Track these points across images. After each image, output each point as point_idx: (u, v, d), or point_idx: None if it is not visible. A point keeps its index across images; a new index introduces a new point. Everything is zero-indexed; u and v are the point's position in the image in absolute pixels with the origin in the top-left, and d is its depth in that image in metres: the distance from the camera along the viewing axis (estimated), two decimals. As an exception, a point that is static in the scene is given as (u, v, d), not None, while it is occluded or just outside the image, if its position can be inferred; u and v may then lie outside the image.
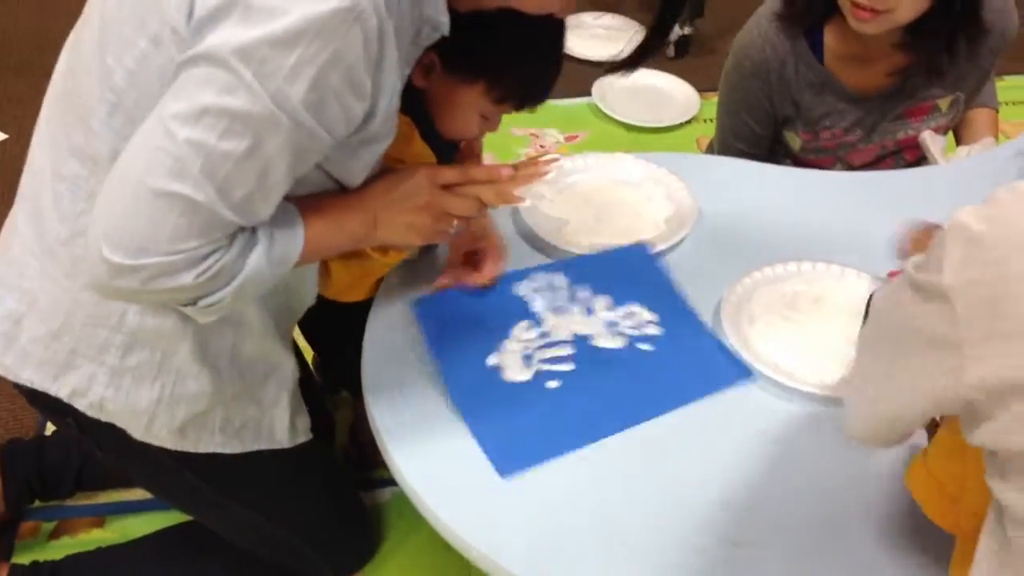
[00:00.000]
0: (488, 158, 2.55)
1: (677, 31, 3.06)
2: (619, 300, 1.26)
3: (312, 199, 1.03)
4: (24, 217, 1.09)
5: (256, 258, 0.94)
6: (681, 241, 1.39)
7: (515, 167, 1.12)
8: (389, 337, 1.22)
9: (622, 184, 1.51)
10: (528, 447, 1.07)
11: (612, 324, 1.23)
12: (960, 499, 0.89)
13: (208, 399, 1.13)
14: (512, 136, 2.67)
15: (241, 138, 0.85)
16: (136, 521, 1.61)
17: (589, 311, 1.24)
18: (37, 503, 1.58)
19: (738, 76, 1.71)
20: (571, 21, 3.14)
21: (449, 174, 1.11)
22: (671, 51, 3.07)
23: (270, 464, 1.25)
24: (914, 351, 0.75)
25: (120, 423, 1.11)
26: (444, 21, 1.01)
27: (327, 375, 1.75)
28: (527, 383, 1.14)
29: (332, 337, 1.53)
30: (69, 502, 1.62)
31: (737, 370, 1.20)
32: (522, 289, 1.24)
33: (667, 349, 1.21)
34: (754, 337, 1.24)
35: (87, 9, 1.03)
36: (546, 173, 1.13)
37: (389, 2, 0.89)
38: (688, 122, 2.77)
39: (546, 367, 1.16)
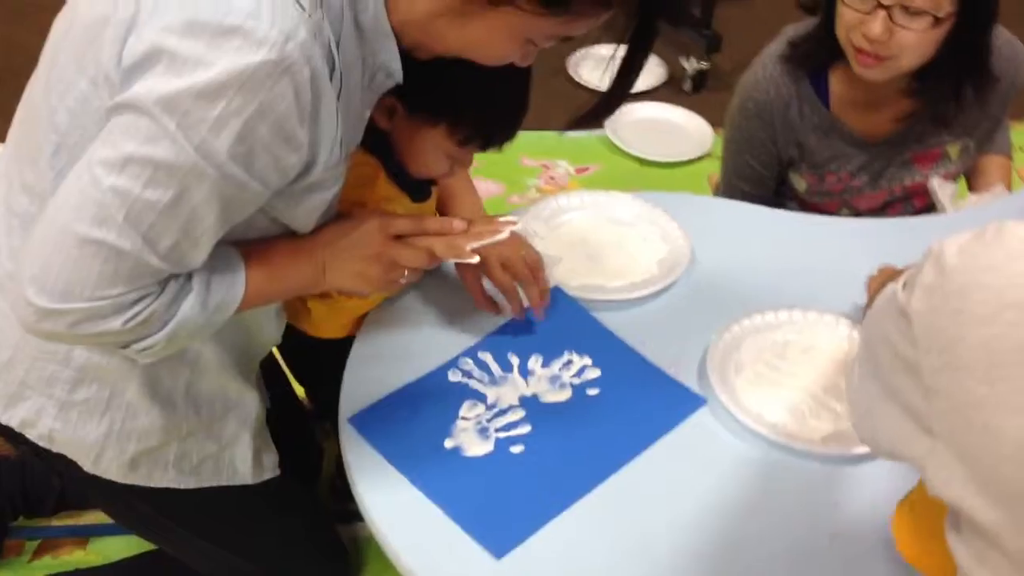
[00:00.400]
0: (497, 188, 2.56)
1: (694, 65, 3.05)
2: (550, 354, 1.25)
3: (259, 244, 1.02)
4: None
5: (189, 306, 0.93)
6: (673, 284, 1.38)
7: (469, 222, 1.11)
8: (369, 373, 1.21)
9: (617, 223, 1.50)
10: (515, 521, 1.06)
11: (554, 379, 1.22)
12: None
13: (160, 434, 1.12)
14: (522, 167, 2.66)
15: (166, 188, 0.84)
16: (118, 543, 1.60)
17: (526, 374, 1.23)
18: (21, 520, 1.58)
19: (742, 116, 1.69)
20: (586, 52, 3.14)
21: (401, 224, 1.09)
22: (687, 85, 3.06)
23: (234, 499, 1.24)
24: (893, 371, 0.74)
25: (69, 454, 1.11)
26: (396, 68, 1.00)
27: (315, 406, 1.74)
28: (491, 455, 1.12)
29: (316, 370, 1.52)
30: (54, 521, 1.62)
31: (689, 397, 1.21)
32: (454, 376, 1.21)
33: (614, 389, 1.21)
34: (740, 386, 1.22)
35: (44, 47, 1.03)
36: (498, 232, 1.10)
37: (329, 52, 0.88)
38: (701, 158, 2.75)
39: (504, 434, 1.14)
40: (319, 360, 1.35)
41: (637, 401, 1.20)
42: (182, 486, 1.17)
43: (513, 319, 1.28)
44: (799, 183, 1.72)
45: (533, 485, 1.09)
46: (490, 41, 0.95)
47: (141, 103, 0.82)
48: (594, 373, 1.24)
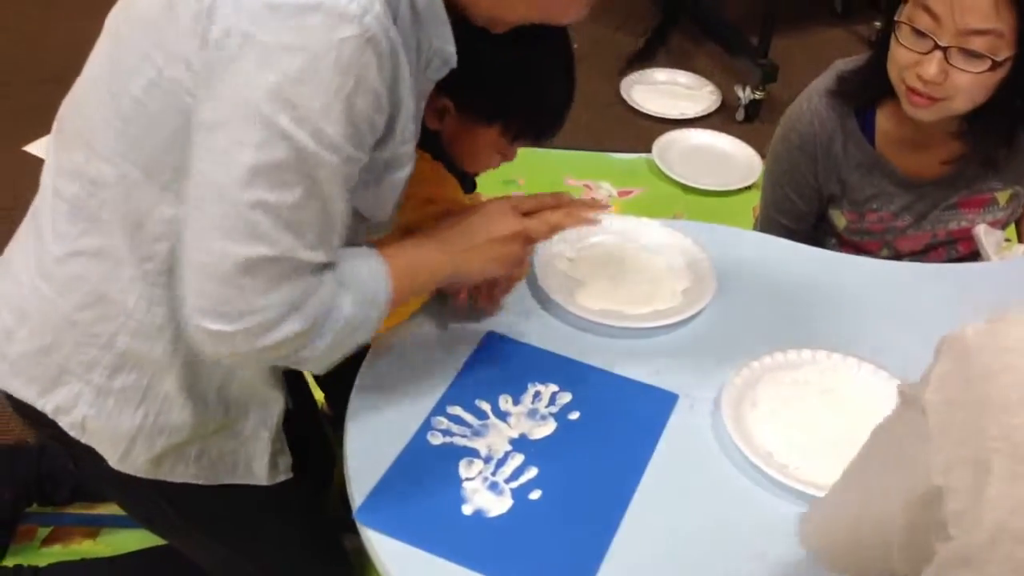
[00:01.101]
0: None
1: (749, 94, 3.01)
2: (517, 391, 1.22)
3: (391, 241, 1.09)
4: (26, 233, 1.11)
5: (349, 302, 0.97)
6: (696, 315, 1.35)
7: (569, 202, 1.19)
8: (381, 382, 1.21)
9: (645, 250, 1.47)
10: (574, 569, 1.03)
11: (532, 412, 1.20)
12: None
13: (188, 431, 1.12)
14: (565, 186, 2.65)
15: (296, 184, 0.87)
16: (129, 536, 1.61)
17: (503, 416, 1.20)
18: (35, 507, 1.60)
19: (784, 148, 1.66)
20: (641, 77, 3.14)
21: (528, 202, 1.16)
22: (740, 114, 3.03)
23: (245, 498, 1.23)
24: (894, 461, 0.71)
25: (99, 447, 1.11)
26: (451, 52, 1.01)
27: (333, 412, 1.74)
28: (513, 508, 1.09)
29: (337, 375, 1.52)
30: (68, 509, 1.63)
31: (663, 396, 1.22)
32: (435, 439, 1.17)
33: (593, 408, 1.21)
34: (752, 424, 1.19)
35: (100, 39, 1.05)
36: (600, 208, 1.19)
37: (397, 25, 0.91)
38: (748, 188, 2.71)
39: (515, 484, 1.12)
40: (340, 366, 1.35)
41: (618, 413, 1.19)
42: (200, 481, 1.17)
43: (466, 365, 1.25)
44: (839, 220, 1.68)
45: (572, 524, 1.07)
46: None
47: (247, 108, 0.84)
48: (566, 397, 1.22)
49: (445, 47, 1.00)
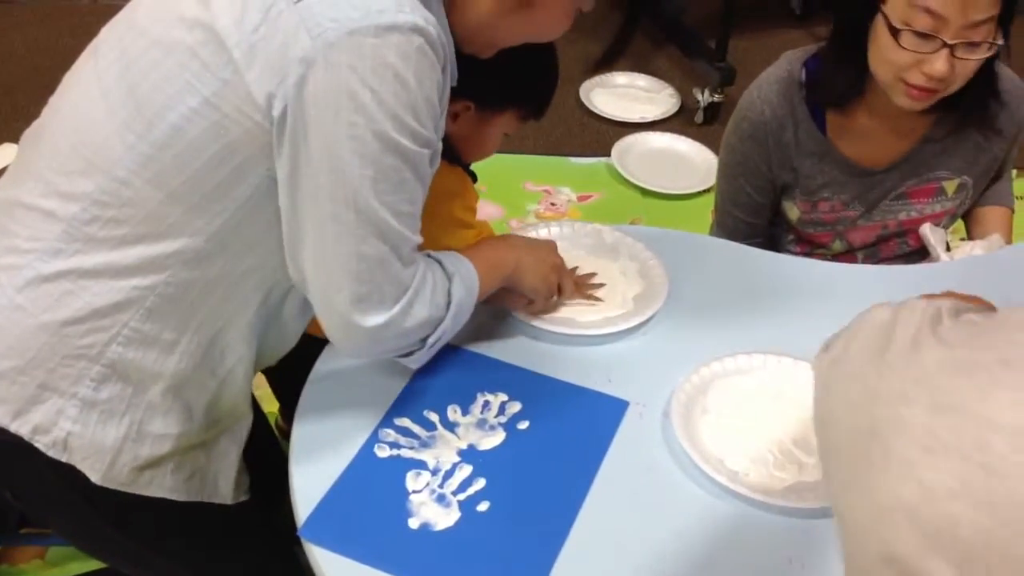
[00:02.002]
0: (497, 211, 2.54)
1: (707, 97, 3.02)
2: (465, 400, 1.21)
3: (465, 250, 1.21)
4: None
5: (456, 286, 1.12)
6: (646, 321, 1.34)
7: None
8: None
9: (597, 256, 1.47)
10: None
11: (481, 423, 1.19)
12: None
13: (172, 442, 1.11)
14: (525, 191, 2.64)
15: (390, 178, 0.98)
16: (78, 560, 1.58)
17: (452, 427, 1.19)
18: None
19: (736, 139, 1.66)
20: (601, 80, 3.15)
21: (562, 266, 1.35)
22: (699, 117, 3.03)
23: (208, 518, 1.21)
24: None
25: (80, 464, 1.08)
26: (454, 74, 1.07)
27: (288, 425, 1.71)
28: (461, 521, 1.07)
29: (294, 386, 1.50)
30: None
31: (612, 403, 1.23)
32: (382, 451, 1.15)
33: (542, 417, 1.20)
34: (703, 430, 1.18)
35: (86, 67, 1.06)
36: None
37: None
38: (708, 190, 2.72)
39: (463, 496, 1.10)
40: (297, 376, 1.33)
41: (568, 422, 1.19)
42: (175, 497, 1.15)
43: (415, 375, 1.24)
44: (792, 211, 1.69)
45: (520, 537, 1.06)
46: (554, 20, 1.08)
47: (350, 128, 0.94)
48: (515, 407, 1.21)
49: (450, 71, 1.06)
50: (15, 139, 2.78)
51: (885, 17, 1.41)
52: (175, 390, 1.09)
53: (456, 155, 1.34)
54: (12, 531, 1.57)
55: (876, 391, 0.66)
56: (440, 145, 1.05)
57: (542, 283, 1.28)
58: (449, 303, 1.11)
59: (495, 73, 1.15)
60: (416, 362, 1.16)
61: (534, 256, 1.27)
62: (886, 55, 1.44)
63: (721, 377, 1.25)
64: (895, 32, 1.40)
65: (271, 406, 1.72)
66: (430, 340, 1.11)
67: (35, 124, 1.12)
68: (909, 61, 1.41)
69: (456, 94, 1.11)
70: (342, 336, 1.07)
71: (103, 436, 1.07)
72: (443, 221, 1.32)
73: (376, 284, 1.02)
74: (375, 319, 1.03)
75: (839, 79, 1.55)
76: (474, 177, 1.45)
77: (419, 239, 1.06)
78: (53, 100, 1.12)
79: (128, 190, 1.01)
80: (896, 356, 0.67)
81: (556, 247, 1.32)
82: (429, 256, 1.13)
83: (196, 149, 0.98)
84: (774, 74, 1.62)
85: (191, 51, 0.96)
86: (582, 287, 1.37)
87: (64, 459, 1.07)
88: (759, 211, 1.71)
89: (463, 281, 1.14)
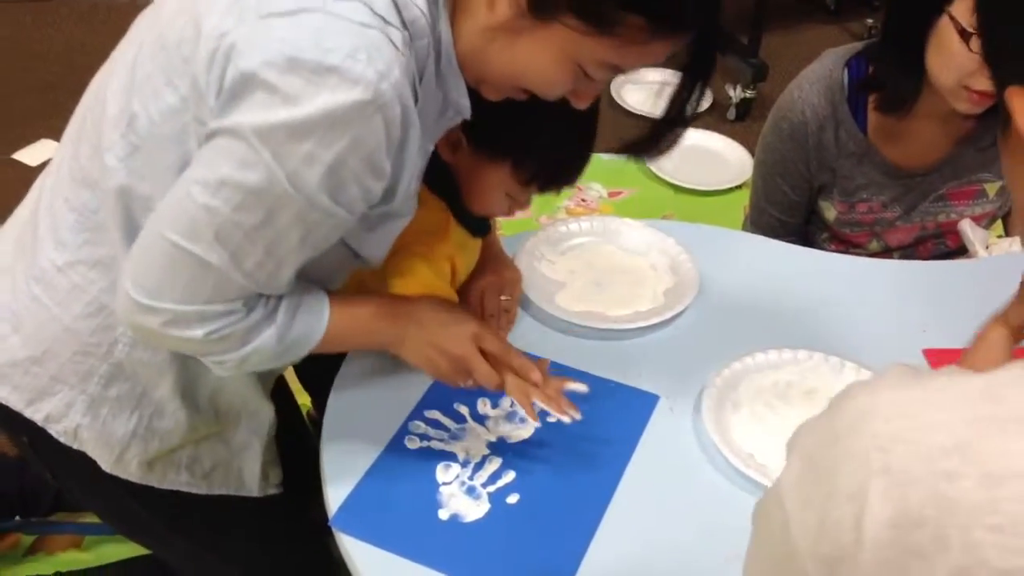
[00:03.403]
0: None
1: (739, 93, 3.00)
2: (494, 394, 1.20)
3: (347, 296, 1.09)
4: (23, 238, 1.09)
5: (267, 335, 0.98)
6: (677, 316, 1.34)
7: (545, 377, 1.10)
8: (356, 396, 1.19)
9: (627, 251, 1.47)
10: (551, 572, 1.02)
11: (511, 415, 1.19)
12: None
13: (180, 435, 1.12)
14: (556, 187, 2.65)
15: (255, 211, 0.88)
16: (114, 545, 1.60)
17: (481, 420, 1.19)
18: (17, 519, 1.59)
19: (775, 138, 1.65)
20: (632, 76, 3.11)
21: (491, 344, 1.10)
22: (731, 113, 3.02)
23: (236, 510, 1.22)
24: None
25: (91, 452, 1.10)
26: (465, 104, 1.00)
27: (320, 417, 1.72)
28: (490, 513, 1.08)
29: (324, 379, 1.51)
30: (52, 518, 1.62)
31: (644, 397, 1.21)
32: (412, 443, 1.16)
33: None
34: (734, 425, 1.18)
35: (116, 52, 1.05)
36: (564, 415, 1.09)
37: (416, 86, 0.91)
38: (739, 187, 2.70)
39: (492, 488, 1.11)
40: (325, 368, 1.34)
41: (598, 416, 1.18)
42: (193, 490, 1.17)
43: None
44: (829, 211, 1.67)
45: (549, 529, 1.06)
46: (539, 63, 0.94)
47: (240, 130, 0.85)
48: None
49: (460, 100, 1.00)
50: (53, 136, 2.84)
51: (954, 20, 1.36)
52: (182, 386, 1.09)
53: (454, 191, 1.21)
54: (45, 512, 1.60)
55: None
56: (347, 216, 0.93)
57: (426, 364, 1.11)
58: (239, 345, 0.98)
59: (492, 116, 1.03)
60: (216, 370, 1.03)
61: (423, 339, 1.09)
62: (953, 60, 1.39)
63: (752, 372, 1.24)
64: (966, 36, 1.35)
65: (304, 398, 1.73)
66: (210, 359, 1.00)
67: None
68: (971, 66, 1.36)
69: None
70: (118, 291, 0.97)
71: (112, 430, 1.09)
72: (394, 252, 1.11)
73: (157, 269, 0.93)
74: (138, 295, 0.93)
75: (901, 85, 1.50)
76: (484, 229, 1.31)
77: (252, 288, 0.95)
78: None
79: (120, 179, 0.98)
80: None
81: (478, 335, 1.10)
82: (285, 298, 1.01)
83: (169, 146, 0.94)
84: (815, 73, 1.60)
85: (177, 47, 0.92)
86: (524, 395, 1.10)
87: (75, 446, 1.09)
88: (795, 210, 1.70)
89: (286, 335, 1.00)
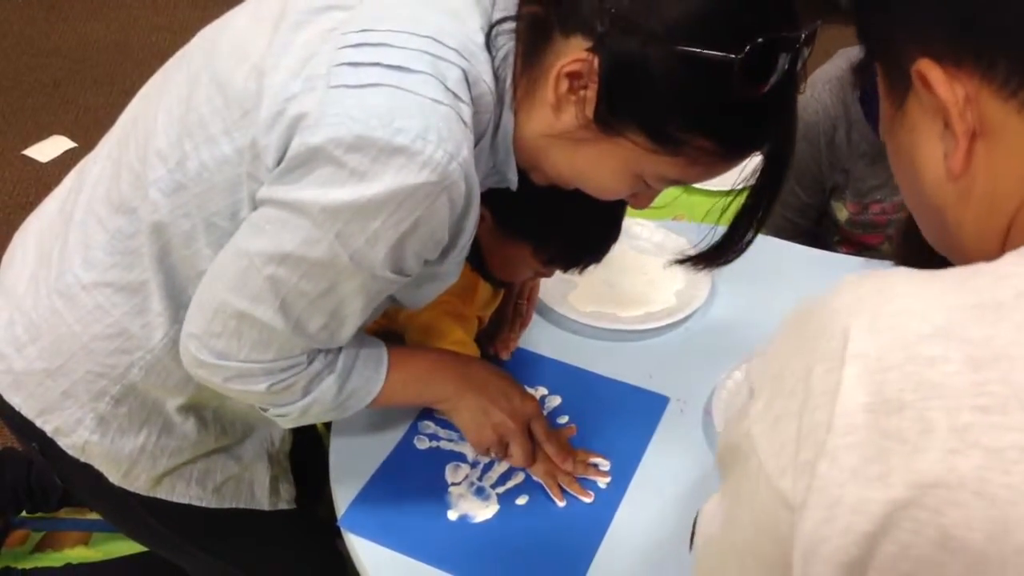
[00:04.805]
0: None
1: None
2: None
3: (407, 350, 1.11)
4: (39, 240, 1.08)
5: (327, 386, 0.99)
6: (688, 317, 1.33)
7: (575, 461, 1.12)
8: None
9: (640, 251, 1.46)
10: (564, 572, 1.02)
11: None
12: None
13: (191, 450, 1.12)
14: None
15: (319, 281, 0.89)
16: (121, 543, 1.60)
17: None
18: (24, 514, 1.59)
19: None
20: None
21: (539, 429, 1.12)
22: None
23: (248, 523, 1.22)
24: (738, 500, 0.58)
25: (99, 467, 1.10)
26: (513, 180, 0.99)
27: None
28: (500, 514, 1.08)
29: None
30: (59, 514, 1.62)
31: (653, 399, 1.21)
32: (421, 443, 1.16)
33: (582, 412, 1.19)
34: (745, 428, 1.17)
35: (168, 73, 1.02)
36: (585, 497, 1.10)
37: (478, 159, 0.90)
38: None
39: (502, 489, 1.10)
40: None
41: (608, 417, 1.18)
42: (203, 504, 1.16)
43: None
44: (841, 212, 1.66)
45: (558, 531, 1.06)
46: (600, 172, 0.93)
47: (304, 207, 0.84)
48: (555, 401, 1.21)
49: (508, 175, 0.99)
50: (65, 131, 2.84)
51: None
52: (191, 405, 1.09)
53: (479, 257, 1.20)
54: (53, 509, 1.60)
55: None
56: (404, 281, 0.94)
57: (473, 428, 1.11)
58: (300, 396, 0.99)
59: (518, 200, 1.03)
60: (277, 422, 1.04)
61: (479, 404, 1.10)
62: None
63: (763, 374, 1.24)
64: None
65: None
66: (271, 412, 1.02)
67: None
68: None
69: (484, 197, 1.00)
70: (180, 347, 0.98)
71: (120, 446, 1.08)
72: (425, 309, 1.12)
73: (221, 331, 0.93)
74: (203, 355, 0.94)
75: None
76: (503, 284, 1.31)
77: (314, 346, 0.96)
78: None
79: (163, 214, 0.97)
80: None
81: (531, 415, 1.12)
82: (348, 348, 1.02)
83: (219, 192, 0.93)
84: (828, 72, 1.59)
85: (238, 100, 0.90)
86: (554, 478, 1.12)
87: (83, 460, 1.09)
88: (806, 211, 1.69)
89: (347, 387, 1.01)
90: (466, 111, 0.85)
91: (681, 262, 1.04)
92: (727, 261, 1.02)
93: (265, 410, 1.01)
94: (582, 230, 1.13)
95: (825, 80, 1.58)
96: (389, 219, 0.84)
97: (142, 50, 3.20)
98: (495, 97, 0.90)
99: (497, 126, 0.93)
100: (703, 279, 1.38)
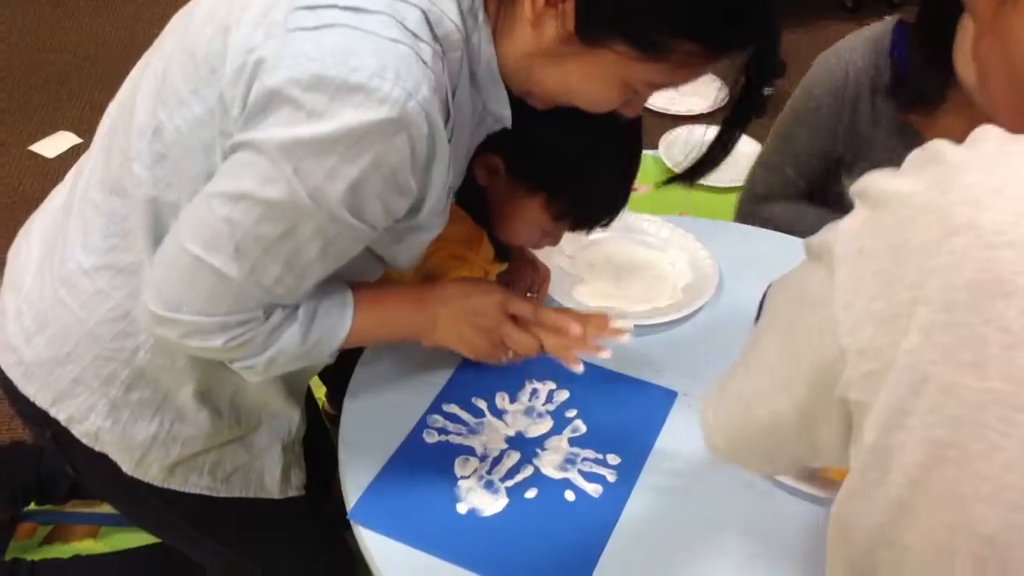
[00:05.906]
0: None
1: (757, 90, 2.99)
2: (513, 388, 1.21)
3: (372, 287, 1.07)
4: (44, 234, 1.09)
5: (289, 335, 0.98)
6: (696, 312, 1.34)
7: (584, 323, 1.07)
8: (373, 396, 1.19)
9: (646, 247, 1.46)
10: (572, 567, 1.02)
11: (529, 411, 1.19)
12: None
13: (204, 440, 1.12)
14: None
15: (275, 224, 0.88)
16: (129, 535, 1.61)
17: (500, 414, 1.19)
18: (33, 506, 1.60)
19: (805, 98, 1.60)
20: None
21: (521, 307, 1.09)
22: (748, 110, 3.01)
23: (258, 511, 1.23)
24: (797, 321, 0.59)
25: (112, 455, 1.10)
26: (506, 114, 0.99)
27: (336, 410, 1.73)
28: (509, 507, 1.08)
29: (338, 370, 1.51)
30: (68, 507, 1.63)
31: (662, 393, 1.21)
32: (430, 437, 1.16)
33: (590, 406, 1.20)
34: (753, 423, 1.17)
35: (147, 57, 1.04)
36: (602, 351, 1.09)
37: (446, 103, 0.89)
38: (756, 184, 2.69)
39: (511, 482, 1.10)
40: (343, 360, 1.34)
41: (617, 412, 1.18)
42: (214, 494, 1.17)
43: (463, 362, 1.23)
44: (851, 187, 1.63)
45: (567, 525, 1.06)
46: (588, 84, 0.94)
47: (262, 145, 0.85)
48: (563, 395, 1.21)
49: (501, 110, 0.99)
50: (70, 126, 2.84)
51: None
52: (203, 392, 1.09)
53: (484, 215, 1.19)
54: (61, 500, 1.60)
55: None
56: (370, 231, 0.92)
57: (460, 343, 1.10)
58: (262, 349, 0.98)
59: (531, 147, 1.04)
60: (243, 375, 1.02)
61: (451, 318, 1.08)
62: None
63: (771, 369, 1.24)
64: None
65: (319, 391, 1.73)
66: (235, 365, 1.00)
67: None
68: None
69: (495, 145, 1.03)
70: (139, 302, 0.97)
71: (133, 434, 1.09)
72: (429, 255, 1.15)
73: (176, 281, 0.92)
74: (157, 308, 0.94)
75: (926, 83, 1.45)
76: (507, 255, 1.31)
77: (270, 299, 0.95)
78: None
79: (147, 188, 0.98)
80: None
81: (505, 301, 1.08)
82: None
83: (194, 156, 0.94)
84: (862, 34, 1.55)
85: (206, 60, 0.91)
86: (565, 348, 1.08)
87: (96, 448, 1.10)
88: (802, 168, 1.65)
89: (311, 334, 1.00)
90: (427, 51, 0.85)
91: (671, 180, 1.07)
92: (714, 165, 1.07)
93: (231, 363, 1.00)
94: (594, 180, 1.12)
95: (860, 40, 1.56)
96: (347, 153, 0.83)
97: (148, 46, 3.20)
98: (463, 35, 0.90)
99: (474, 63, 0.94)
100: (710, 274, 1.38)
